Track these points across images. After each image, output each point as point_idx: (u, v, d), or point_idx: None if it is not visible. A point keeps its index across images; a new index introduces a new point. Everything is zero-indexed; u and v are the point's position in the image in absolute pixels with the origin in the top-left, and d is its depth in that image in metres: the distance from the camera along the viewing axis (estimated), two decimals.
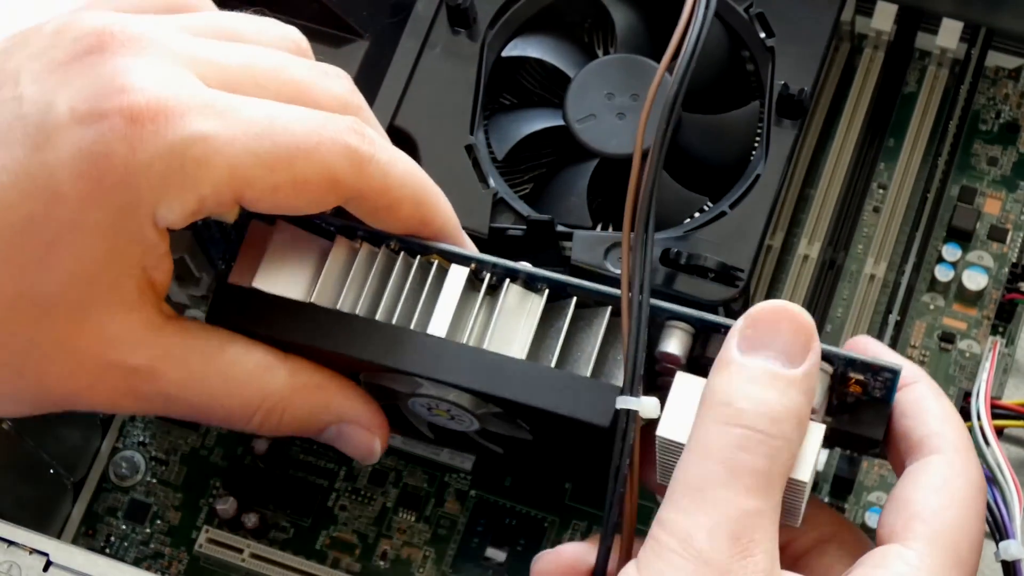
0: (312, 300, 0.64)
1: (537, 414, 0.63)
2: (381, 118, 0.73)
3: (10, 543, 0.62)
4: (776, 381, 0.57)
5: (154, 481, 0.79)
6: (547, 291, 0.64)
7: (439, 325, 0.63)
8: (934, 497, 0.58)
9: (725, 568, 0.55)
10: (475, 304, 0.64)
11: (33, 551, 0.62)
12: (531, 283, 0.64)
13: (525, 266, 0.64)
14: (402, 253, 0.65)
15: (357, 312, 0.64)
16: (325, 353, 0.64)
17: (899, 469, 0.61)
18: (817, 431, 0.59)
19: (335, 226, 0.65)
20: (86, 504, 0.79)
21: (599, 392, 0.61)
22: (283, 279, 0.65)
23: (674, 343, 0.62)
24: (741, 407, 0.56)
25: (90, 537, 0.78)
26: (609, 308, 0.64)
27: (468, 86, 0.74)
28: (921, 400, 0.61)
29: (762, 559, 0.55)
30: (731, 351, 0.58)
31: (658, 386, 0.63)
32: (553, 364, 0.63)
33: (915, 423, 0.60)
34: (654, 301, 0.62)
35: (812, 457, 0.59)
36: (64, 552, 0.62)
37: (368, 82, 0.73)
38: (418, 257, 0.65)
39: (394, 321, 0.64)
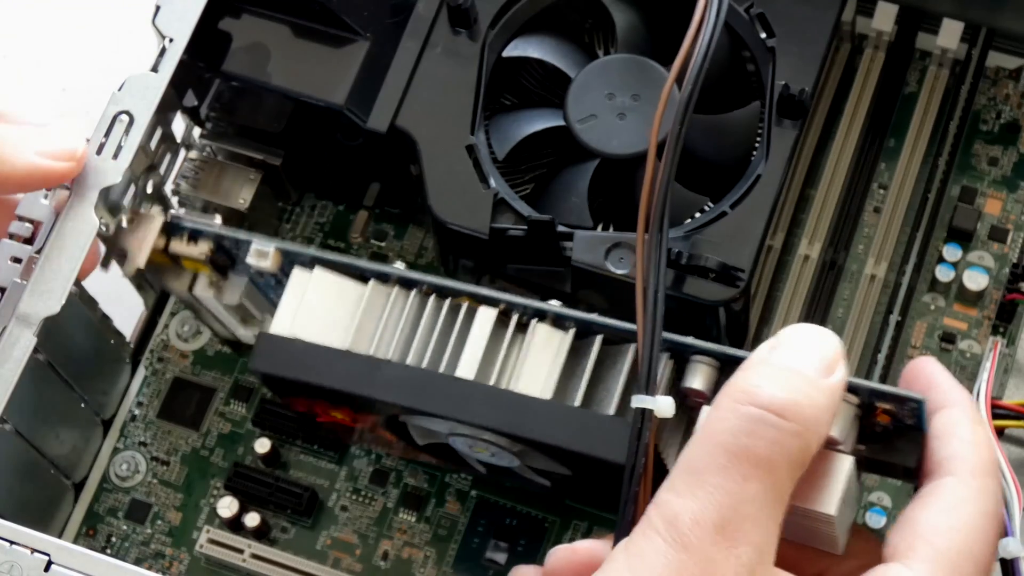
0: (348, 347, 0.65)
1: (565, 452, 0.63)
2: (382, 118, 0.73)
3: (11, 543, 0.62)
4: (799, 377, 0.56)
5: (155, 481, 0.79)
6: (574, 329, 0.65)
7: (467, 367, 0.64)
8: (941, 519, 0.57)
9: (706, 556, 0.54)
10: (503, 343, 0.65)
11: (34, 551, 0.62)
12: (559, 322, 0.65)
13: (553, 305, 0.65)
14: (433, 295, 0.66)
15: (391, 357, 0.65)
16: (363, 398, 0.65)
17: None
18: (845, 463, 0.59)
19: (370, 272, 0.66)
20: (87, 504, 0.79)
21: (623, 431, 0.61)
22: (320, 325, 0.66)
23: (699, 379, 0.62)
24: (756, 389, 0.56)
25: (91, 537, 0.78)
26: (633, 346, 0.64)
27: (469, 86, 0.74)
28: (953, 424, 0.60)
29: (747, 552, 0.54)
30: (759, 354, 0.58)
31: (688, 420, 0.63)
32: (578, 403, 0.63)
33: (939, 444, 0.60)
34: (679, 338, 0.62)
35: (839, 489, 0.58)
36: (65, 552, 0.62)
37: (369, 82, 0.73)
38: (448, 299, 0.66)
39: (425, 363, 0.65)
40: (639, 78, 0.72)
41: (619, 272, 0.69)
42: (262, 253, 0.68)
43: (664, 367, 0.63)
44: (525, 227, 0.71)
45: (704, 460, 0.55)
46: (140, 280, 0.78)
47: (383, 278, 0.67)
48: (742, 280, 0.69)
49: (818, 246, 0.77)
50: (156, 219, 0.70)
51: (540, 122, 0.73)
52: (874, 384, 0.60)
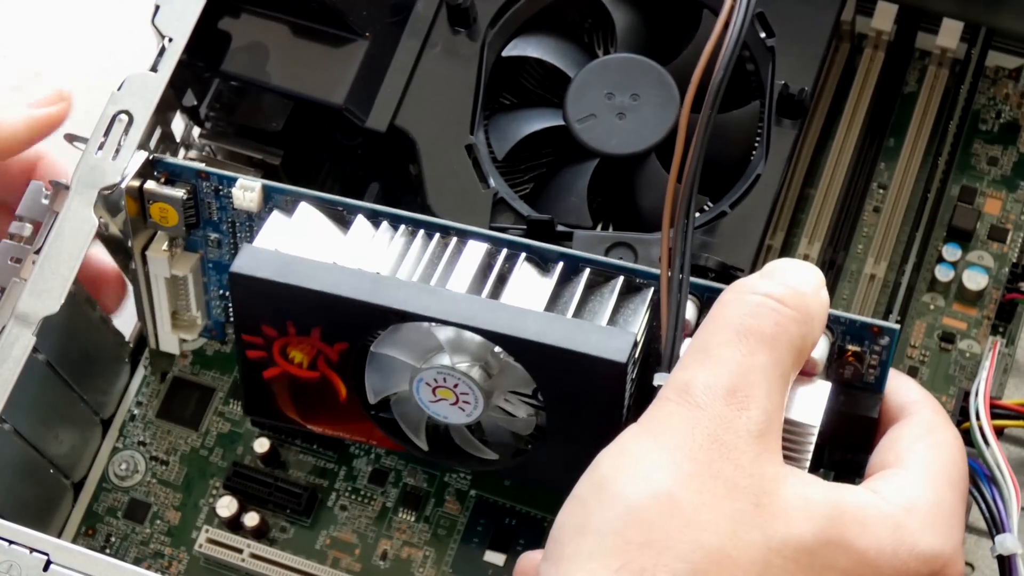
0: (334, 263, 0.66)
1: (553, 360, 0.63)
2: (381, 117, 0.73)
3: (10, 543, 0.62)
4: (790, 287, 0.60)
5: (154, 481, 0.79)
6: (561, 264, 0.65)
7: (458, 284, 0.65)
8: (922, 440, 0.62)
9: (719, 414, 0.56)
10: (490, 278, 0.66)
11: (33, 551, 0.62)
12: (544, 263, 0.66)
13: (540, 244, 0.66)
14: (421, 231, 0.66)
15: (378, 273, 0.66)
16: (349, 305, 0.64)
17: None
18: (825, 385, 0.63)
19: (358, 208, 0.66)
20: (86, 504, 0.78)
21: (613, 335, 0.63)
22: (305, 246, 0.66)
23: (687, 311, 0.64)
24: (757, 284, 0.60)
25: (90, 537, 0.78)
26: (621, 278, 0.65)
27: (468, 86, 0.74)
28: (903, 384, 0.66)
29: (757, 415, 0.57)
30: (755, 275, 0.61)
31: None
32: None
33: (896, 396, 0.65)
34: (655, 270, 0.65)
35: (820, 405, 0.62)
36: (64, 552, 0.62)
37: (368, 82, 0.73)
38: (436, 235, 0.66)
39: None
40: (639, 78, 0.72)
41: None
42: (248, 187, 0.69)
43: (647, 303, 0.65)
44: (524, 227, 0.71)
45: (713, 338, 0.58)
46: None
47: (371, 215, 0.67)
48: None
49: (818, 246, 0.77)
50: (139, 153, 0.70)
51: (539, 122, 0.73)
52: (853, 315, 0.64)
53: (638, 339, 0.64)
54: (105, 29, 0.95)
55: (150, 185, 0.70)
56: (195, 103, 0.76)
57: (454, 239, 0.67)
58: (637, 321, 0.65)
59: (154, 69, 0.70)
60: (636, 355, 0.64)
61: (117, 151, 0.69)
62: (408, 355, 0.66)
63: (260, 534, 0.76)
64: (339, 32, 0.74)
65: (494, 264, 0.66)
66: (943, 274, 0.77)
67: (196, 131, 0.79)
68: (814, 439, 0.61)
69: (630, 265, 0.66)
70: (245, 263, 0.65)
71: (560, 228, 0.70)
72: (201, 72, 0.75)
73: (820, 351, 0.63)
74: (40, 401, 0.72)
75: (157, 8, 0.71)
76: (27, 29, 0.96)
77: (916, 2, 0.79)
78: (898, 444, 0.62)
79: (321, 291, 0.64)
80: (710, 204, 0.72)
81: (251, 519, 0.76)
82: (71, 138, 0.71)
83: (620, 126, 0.72)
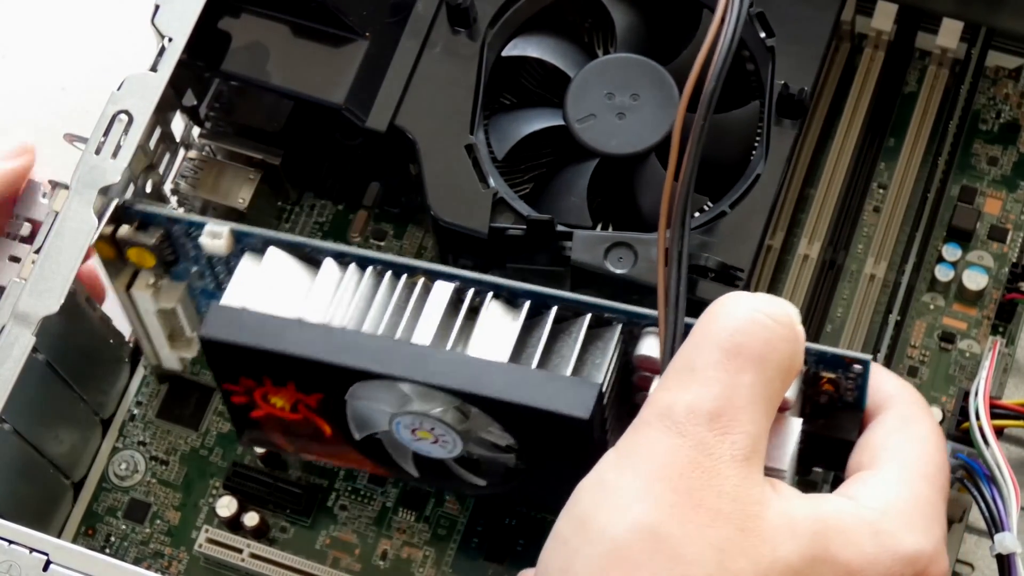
0: (301, 317, 0.65)
1: (518, 415, 0.63)
2: (381, 117, 0.73)
3: (10, 542, 0.63)
4: (779, 305, 0.58)
5: (154, 481, 0.79)
6: (528, 303, 0.65)
7: (423, 335, 0.64)
8: (895, 435, 0.61)
9: (701, 440, 0.55)
10: (457, 320, 0.65)
11: (33, 550, 0.62)
12: (513, 299, 0.65)
13: (507, 281, 0.65)
14: (388, 273, 0.66)
15: (345, 327, 0.65)
16: (314, 365, 0.64)
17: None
18: (795, 423, 0.61)
19: (325, 251, 0.66)
20: (86, 504, 0.78)
21: (577, 387, 0.62)
22: (273, 300, 0.66)
23: (654, 347, 0.63)
24: (746, 298, 0.58)
25: (90, 537, 0.78)
26: (588, 315, 0.65)
27: (468, 86, 0.74)
28: (880, 378, 0.64)
29: (741, 440, 0.55)
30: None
31: (634, 403, 0.63)
32: (534, 367, 0.64)
33: (871, 392, 0.63)
34: (634, 308, 0.64)
35: (791, 447, 0.60)
36: (64, 552, 0.62)
37: (368, 82, 0.73)
38: (403, 277, 0.66)
39: (379, 334, 0.65)
40: (638, 78, 0.72)
41: (618, 272, 0.69)
42: (216, 233, 0.68)
43: (616, 339, 0.64)
44: (524, 227, 0.71)
45: (698, 357, 0.56)
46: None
47: (338, 258, 0.67)
48: (741, 280, 0.69)
49: (817, 245, 0.77)
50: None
51: (539, 122, 0.73)
52: (820, 346, 0.63)
53: (604, 388, 0.63)
54: (105, 29, 0.95)
55: (123, 231, 0.70)
56: (195, 103, 0.76)
57: (421, 279, 0.66)
58: (605, 361, 0.64)
59: (154, 69, 0.70)
60: (605, 401, 0.63)
61: (117, 151, 0.69)
62: (382, 404, 0.66)
63: (260, 534, 0.77)
64: (339, 32, 0.74)
65: (463, 300, 0.66)
66: (943, 274, 0.77)
67: (196, 131, 0.79)
68: (786, 482, 0.60)
69: (598, 301, 0.65)
70: (213, 327, 0.65)
71: (560, 228, 0.70)
72: (201, 72, 0.75)
73: (792, 391, 0.62)
74: (40, 401, 0.72)
75: (157, 8, 0.71)
76: (27, 29, 0.96)
77: (916, 2, 0.79)
78: (872, 443, 0.61)
79: (287, 353, 0.64)
80: (710, 204, 0.72)
81: (251, 519, 0.76)
82: (71, 138, 0.71)
83: (620, 126, 0.72)
